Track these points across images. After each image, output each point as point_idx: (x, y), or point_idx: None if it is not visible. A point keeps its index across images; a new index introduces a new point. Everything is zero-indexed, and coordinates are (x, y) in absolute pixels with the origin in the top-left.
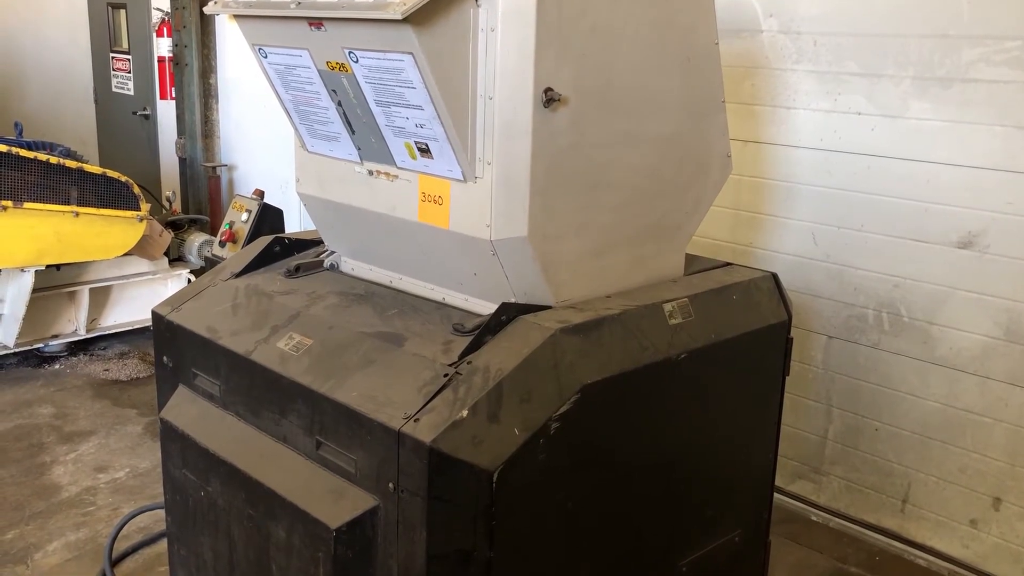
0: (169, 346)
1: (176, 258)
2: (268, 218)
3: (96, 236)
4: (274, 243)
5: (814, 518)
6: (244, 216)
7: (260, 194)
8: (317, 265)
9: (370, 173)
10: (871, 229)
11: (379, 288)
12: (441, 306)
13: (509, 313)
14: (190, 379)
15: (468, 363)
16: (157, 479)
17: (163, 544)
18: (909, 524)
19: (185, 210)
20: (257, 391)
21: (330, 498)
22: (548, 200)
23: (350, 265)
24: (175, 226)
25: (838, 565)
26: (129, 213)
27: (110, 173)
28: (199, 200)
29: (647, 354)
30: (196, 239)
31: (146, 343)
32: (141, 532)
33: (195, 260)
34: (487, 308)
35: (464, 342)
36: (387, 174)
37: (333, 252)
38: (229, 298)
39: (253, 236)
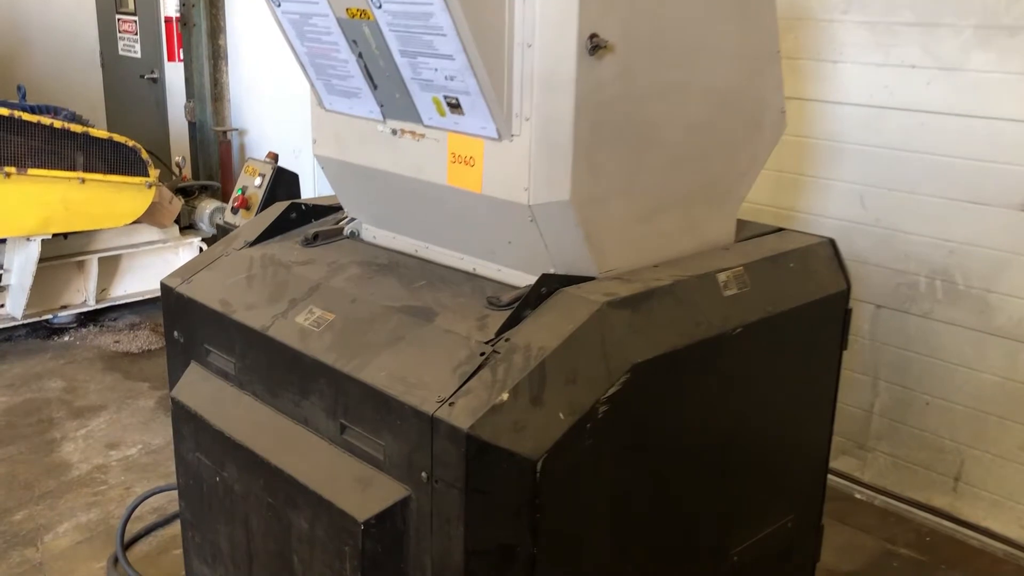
0: (180, 320)
1: (187, 226)
2: (283, 182)
3: (104, 203)
4: (290, 209)
5: (858, 496)
6: (257, 181)
7: (274, 157)
8: (336, 233)
9: (393, 132)
10: (925, 191)
11: (404, 258)
12: (472, 277)
13: (550, 285)
14: (203, 356)
15: (506, 340)
16: (170, 456)
17: (178, 525)
18: (962, 503)
19: (195, 176)
20: (275, 370)
21: (357, 487)
22: (592, 160)
23: (372, 233)
24: (185, 193)
25: (887, 546)
26: (137, 179)
27: (117, 138)
28: (210, 166)
29: (701, 329)
30: (207, 206)
31: (158, 314)
32: (154, 512)
33: (207, 228)
34: (523, 279)
35: (500, 317)
36: (412, 133)
37: (353, 219)
38: (243, 269)
39: (267, 202)
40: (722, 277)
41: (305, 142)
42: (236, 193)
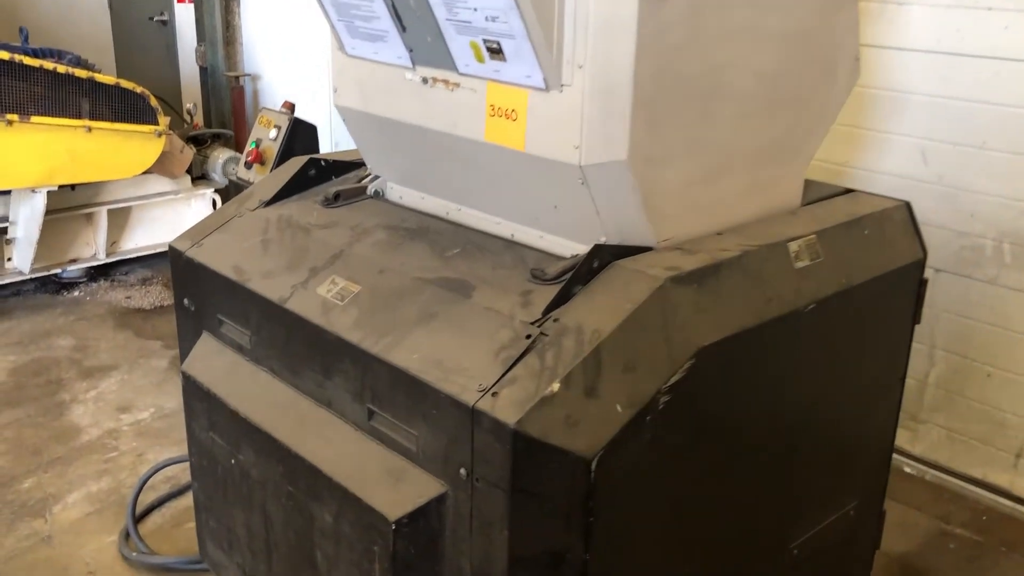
0: (190, 287)
1: (199, 176)
2: (300, 135)
3: (112, 153)
4: (309, 165)
5: (908, 470)
6: (272, 133)
7: (290, 107)
8: (359, 192)
9: (424, 81)
10: (996, 146)
11: (434, 221)
12: (511, 245)
13: (603, 257)
14: (215, 326)
15: (555, 321)
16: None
17: (191, 497)
18: (1022, 481)
19: (207, 124)
20: (295, 346)
21: (387, 481)
22: (653, 114)
23: (398, 192)
24: (197, 141)
25: (941, 525)
26: (147, 127)
27: (124, 84)
28: (222, 112)
29: (772, 306)
30: (221, 155)
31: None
32: (167, 482)
33: (219, 178)
34: (570, 248)
35: (547, 293)
36: (446, 82)
37: (377, 177)
38: (258, 231)
39: (283, 156)
40: (793, 247)
41: (322, 90)
42: (249, 147)
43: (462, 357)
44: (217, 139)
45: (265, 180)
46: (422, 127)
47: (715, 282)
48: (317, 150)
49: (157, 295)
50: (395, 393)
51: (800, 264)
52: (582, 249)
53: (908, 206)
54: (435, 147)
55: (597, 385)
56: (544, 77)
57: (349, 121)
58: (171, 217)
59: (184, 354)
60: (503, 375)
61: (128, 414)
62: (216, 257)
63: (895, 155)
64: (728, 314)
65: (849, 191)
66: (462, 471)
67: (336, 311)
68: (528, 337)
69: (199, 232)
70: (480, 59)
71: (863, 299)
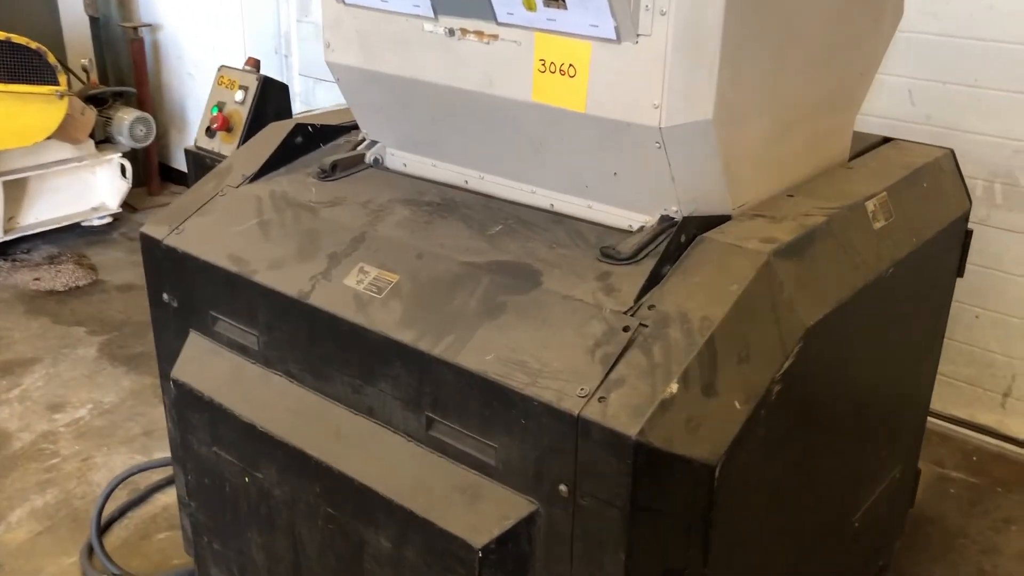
0: (170, 280)
1: (103, 140)
2: (270, 96)
3: (7, 118)
4: (295, 132)
5: None
6: (239, 95)
7: (255, 64)
8: (358, 161)
9: (449, 33)
10: (988, 83)
11: (457, 193)
12: (559, 218)
13: (689, 230)
14: (206, 324)
15: (651, 308)
16: (128, 416)
17: (156, 503)
18: (1011, 420)
19: (103, 81)
20: (321, 346)
21: (460, 500)
22: (737, 66)
23: (400, 159)
24: (97, 101)
25: (937, 470)
26: (46, 88)
27: (16, 39)
28: (119, 68)
29: (859, 274)
30: (126, 115)
31: (78, 243)
32: (125, 489)
33: (126, 141)
34: (627, 219)
35: (629, 274)
36: (479, 34)
37: (375, 142)
38: (250, 212)
39: (254, 122)
40: (870, 207)
41: (234, 42)
42: (211, 111)
43: (549, 356)
44: (119, 98)
45: (243, 151)
46: (445, 86)
47: (811, 252)
48: (290, 113)
49: (70, 275)
50: (465, 401)
51: (877, 225)
52: (644, 220)
53: (952, 154)
54: (458, 108)
55: (714, 381)
56: (616, 26)
57: (344, 80)
58: (75, 187)
59: (165, 357)
60: (606, 376)
61: (62, 413)
62: (204, 245)
63: (880, 95)
64: (826, 287)
65: (888, 139)
66: (562, 487)
67: (375, 306)
68: (626, 329)
69: (175, 215)
70: (531, 7)
71: (927, 257)
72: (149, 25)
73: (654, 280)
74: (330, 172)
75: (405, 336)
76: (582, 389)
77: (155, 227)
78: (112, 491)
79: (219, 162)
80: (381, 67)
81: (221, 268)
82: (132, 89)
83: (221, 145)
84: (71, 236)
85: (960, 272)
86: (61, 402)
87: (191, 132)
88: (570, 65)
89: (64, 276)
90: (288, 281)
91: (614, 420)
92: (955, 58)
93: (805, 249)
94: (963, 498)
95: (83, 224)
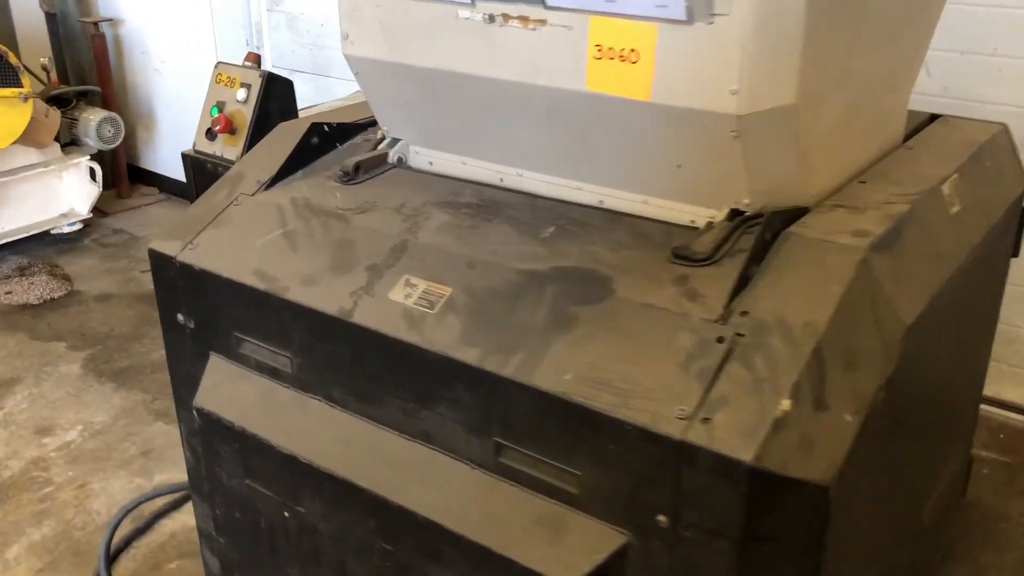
0: (186, 299)
1: (68, 142)
2: (275, 94)
3: None
4: (312, 132)
5: None
6: (241, 94)
7: (255, 59)
8: (381, 162)
9: (489, 19)
10: (1009, 52)
11: (494, 192)
12: (612, 215)
13: (774, 226)
14: (230, 346)
15: (744, 315)
16: (122, 436)
17: (163, 530)
18: None
19: (64, 80)
20: (370, 369)
21: (542, 533)
22: (817, 44)
23: (426, 157)
24: (60, 102)
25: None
26: (9, 91)
27: None
28: (80, 67)
29: (944, 265)
30: (92, 116)
31: (48, 252)
32: (130, 518)
33: (93, 143)
34: (688, 214)
35: (710, 277)
36: (523, 19)
37: (397, 140)
38: (272, 222)
39: (260, 122)
40: (946, 191)
41: (202, 37)
42: (211, 112)
43: (637, 373)
44: (83, 98)
45: (255, 155)
46: (482, 77)
47: (901, 245)
48: (296, 111)
49: (44, 286)
50: (542, 425)
51: (954, 210)
52: (710, 215)
53: (1007, 129)
54: (497, 101)
55: (823, 393)
56: (687, 6)
57: (364, 74)
58: (42, 193)
59: (181, 382)
60: (706, 394)
61: (51, 436)
62: (224, 260)
63: None
64: (919, 282)
65: (936, 116)
66: (660, 518)
67: (429, 322)
68: (720, 340)
69: (186, 228)
70: None
71: (993, 240)
72: (110, 20)
73: (743, 283)
74: (353, 174)
75: (468, 355)
76: (681, 410)
77: (165, 243)
78: (120, 522)
79: (224, 167)
80: (407, 59)
81: (246, 286)
82: (96, 88)
83: (224, 148)
84: (40, 245)
85: (1016, 252)
86: (48, 424)
87: (160, 131)
88: (632, 50)
89: (37, 288)
90: (326, 298)
91: (723, 444)
92: (974, 27)
93: (895, 241)
94: (997, 478)
95: (52, 232)
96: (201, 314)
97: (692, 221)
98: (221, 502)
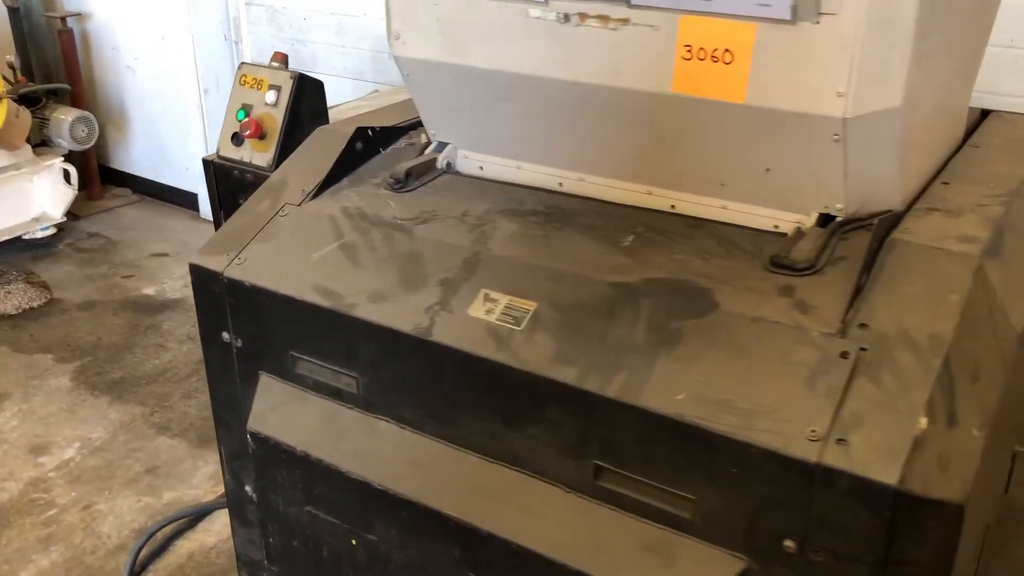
0: (234, 318)
1: (39, 143)
2: (307, 97)
3: None
4: (357, 136)
5: None
6: (270, 96)
7: (283, 59)
8: (430, 167)
9: (563, 19)
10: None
11: (559, 199)
12: (692, 222)
13: (880, 233)
14: (285, 366)
15: (862, 327)
16: (124, 452)
17: (180, 551)
18: None
19: (30, 78)
20: (449, 389)
21: (651, 560)
22: (921, 43)
23: (476, 162)
24: (29, 101)
25: None
26: None
27: None
28: (46, 64)
29: None
30: (64, 116)
31: (22, 259)
32: (131, 532)
33: (66, 143)
34: (771, 219)
35: (812, 287)
36: (603, 18)
37: (445, 144)
38: (327, 233)
39: (291, 126)
40: None
41: (174, 32)
42: (237, 116)
43: (757, 392)
44: (52, 96)
45: (296, 161)
46: (554, 79)
47: (1004, 249)
48: (326, 114)
49: (22, 295)
50: (650, 447)
51: None
52: (796, 220)
53: None
54: (565, 103)
55: (954, 407)
56: (793, 5)
57: (416, 76)
58: (13, 197)
59: (224, 402)
60: (837, 413)
61: (48, 455)
62: (278, 276)
63: None
64: (1021, 286)
65: (988, 112)
66: (787, 543)
67: (516, 339)
68: (844, 355)
69: (230, 242)
70: None
71: None
72: (77, 14)
73: (855, 293)
74: (404, 181)
75: (565, 375)
76: (813, 431)
77: (209, 257)
78: (143, 547)
79: (252, 173)
80: (469, 60)
81: (307, 303)
82: (66, 86)
83: (252, 154)
84: (13, 252)
85: None
86: (44, 443)
87: (133, 131)
88: (726, 51)
89: (15, 297)
90: (398, 315)
91: (864, 466)
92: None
93: (1000, 246)
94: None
95: (24, 237)
96: (251, 333)
97: (776, 226)
98: (275, 529)
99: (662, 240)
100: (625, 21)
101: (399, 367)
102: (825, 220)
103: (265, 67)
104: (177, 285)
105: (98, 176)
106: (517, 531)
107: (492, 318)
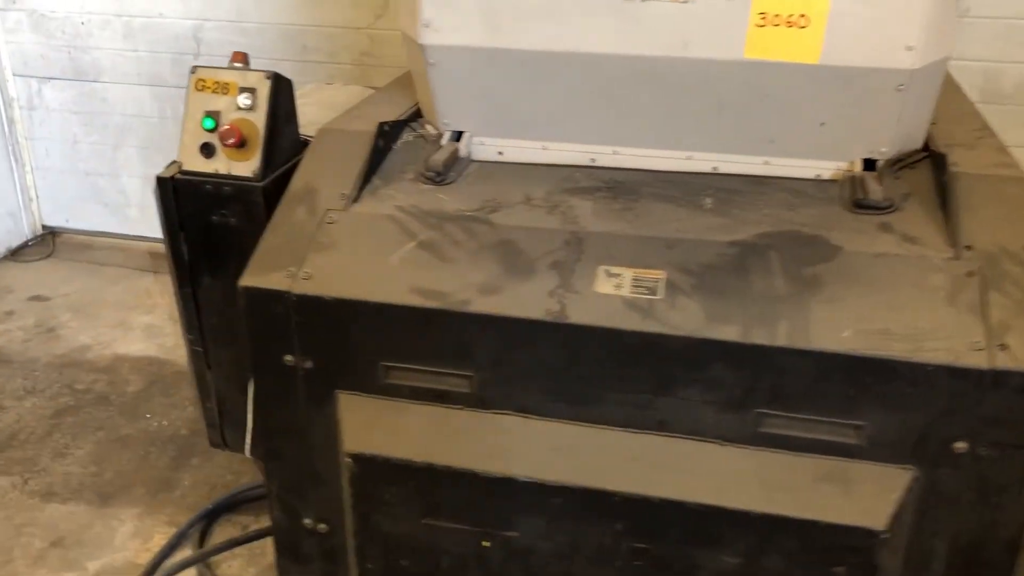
0: (304, 337)
1: None
2: (283, 98)
3: None
4: (379, 132)
5: None
6: (243, 100)
7: (244, 59)
8: (456, 158)
9: None
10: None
11: (601, 172)
12: (750, 180)
13: (941, 169)
14: (371, 379)
15: (968, 248)
16: (14, 531)
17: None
18: None
19: None
20: (585, 369)
21: (830, 490)
22: None
23: (494, 148)
24: None
25: None
26: None
27: None
28: None
29: None
30: None
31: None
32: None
33: None
34: (812, 169)
35: (902, 221)
36: None
37: (461, 133)
38: (394, 234)
39: (272, 131)
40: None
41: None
42: (203, 125)
43: (910, 318)
44: None
45: (314, 166)
46: (618, 55)
47: None
48: (295, 115)
49: None
50: (821, 386)
51: None
52: (835, 167)
53: None
54: (623, 78)
55: None
56: None
57: (444, 63)
58: None
59: (282, 432)
60: (986, 323)
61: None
62: (359, 284)
63: None
64: None
65: None
66: (958, 445)
67: (659, 308)
68: (970, 274)
69: (282, 259)
70: None
71: None
72: None
73: (946, 222)
74: (441, 174)
75: (727, 333)
76: (975, 342)
77: (263, 276)
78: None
79: (233, 187)
80: (516, 43)
81: (407, 307)
82: None
83: (230, 164)
84: None
85: None
86: None
87: None
88: (801, 15)
89: None
90: (520, 304)
91: None
92: None
93: None
94: None
95: None
96: (326, 350)
97: (818, 175)
98: (374, 553)
99: (739, 199)
100: None
101: (524, 357)
102: (868, 165)
103: (226, 69)
104: None
105: None
106: (691, 491)
107: (624, 292)
